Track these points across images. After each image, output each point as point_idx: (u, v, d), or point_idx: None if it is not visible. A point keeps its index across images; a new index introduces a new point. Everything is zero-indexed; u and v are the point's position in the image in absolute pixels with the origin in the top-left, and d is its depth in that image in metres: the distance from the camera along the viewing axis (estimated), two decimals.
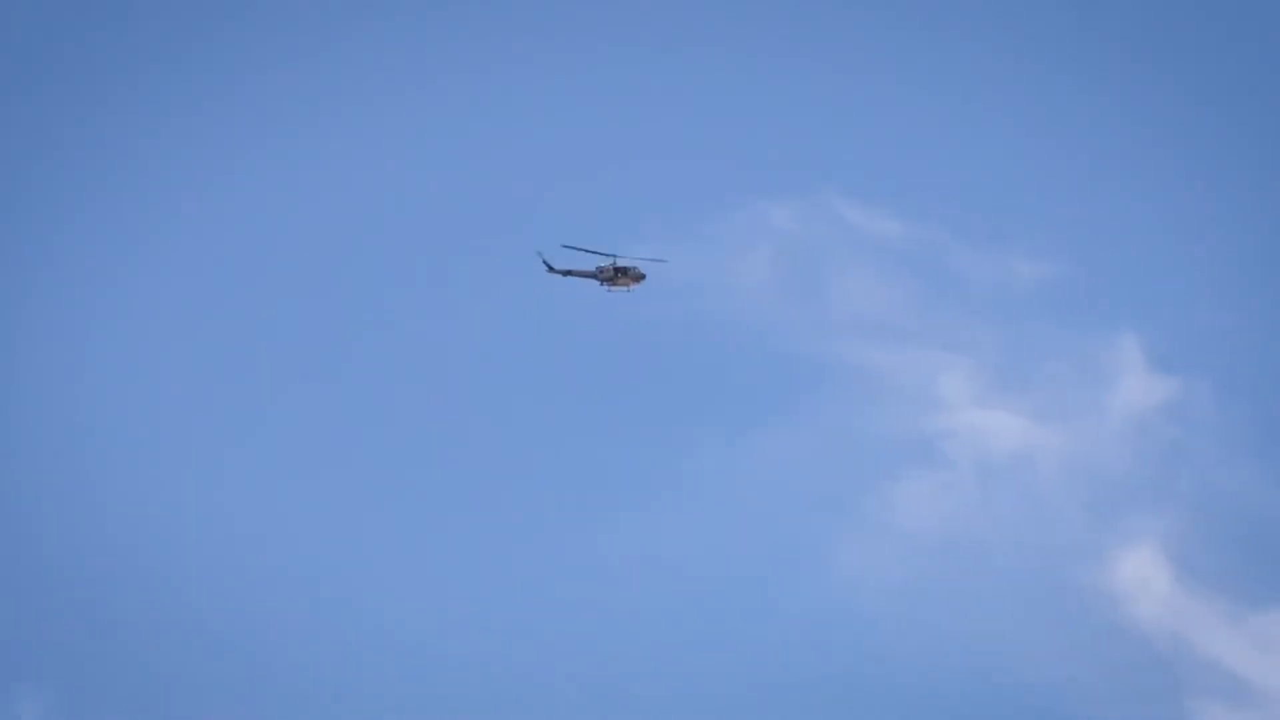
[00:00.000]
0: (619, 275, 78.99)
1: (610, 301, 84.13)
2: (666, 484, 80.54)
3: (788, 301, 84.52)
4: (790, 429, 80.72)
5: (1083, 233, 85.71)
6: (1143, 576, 74.67)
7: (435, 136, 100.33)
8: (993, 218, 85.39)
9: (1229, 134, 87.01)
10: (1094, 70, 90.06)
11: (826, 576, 76.08)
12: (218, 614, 78.11)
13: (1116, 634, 73.52)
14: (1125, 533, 76.51)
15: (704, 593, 76.37)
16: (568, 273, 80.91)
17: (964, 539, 76.36)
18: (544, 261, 79.50)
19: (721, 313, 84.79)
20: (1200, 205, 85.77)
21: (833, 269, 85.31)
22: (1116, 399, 79.57)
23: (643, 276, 77.71)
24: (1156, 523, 76.55)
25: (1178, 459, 78.18)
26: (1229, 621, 74.51)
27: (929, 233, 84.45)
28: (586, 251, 77.89)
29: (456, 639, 75.08)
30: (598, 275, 79.62)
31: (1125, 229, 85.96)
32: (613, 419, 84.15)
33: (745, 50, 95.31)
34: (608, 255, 78.08)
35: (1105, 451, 78.70)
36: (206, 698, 75.40)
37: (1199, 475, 77.84)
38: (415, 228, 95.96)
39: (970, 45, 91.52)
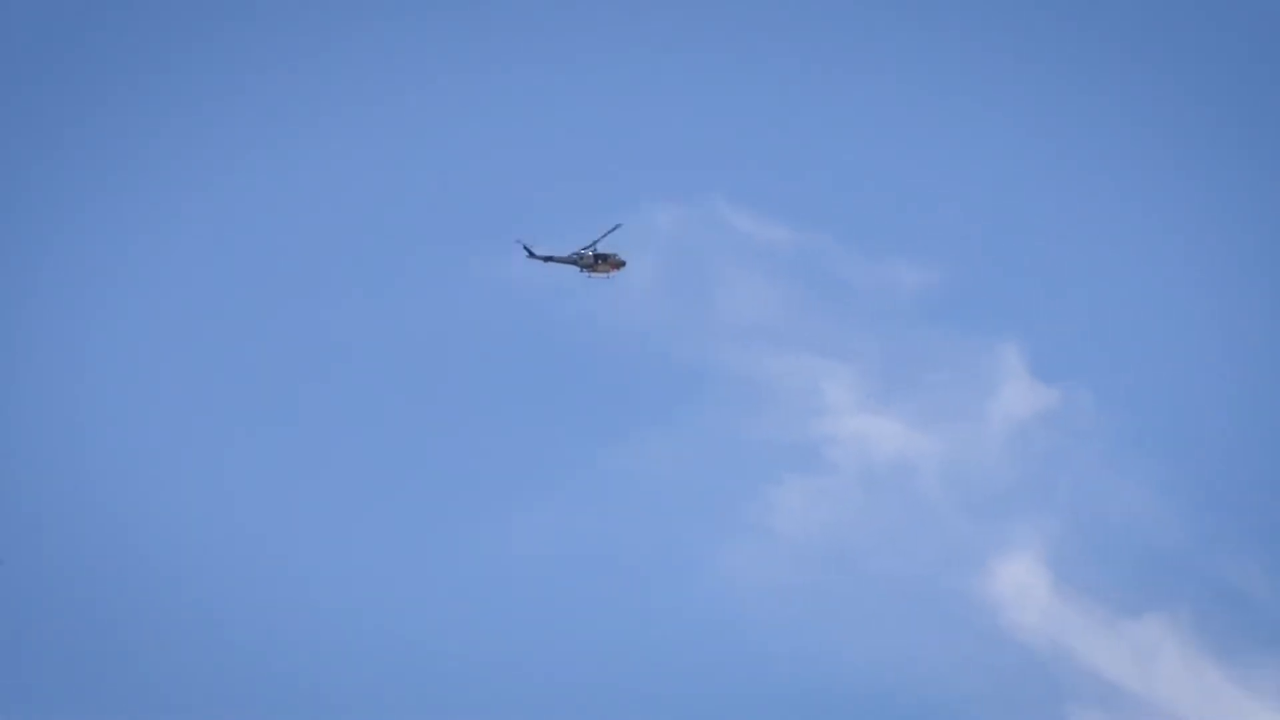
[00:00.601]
0: (599, 262, 79.07)
1: (497, 305, 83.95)
2: (549, 486, 79.95)
3: (673, 306, 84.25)
4: (674, 433, 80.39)
5: (966, 241, 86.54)
6: (1021, 584, 74.84)
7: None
8: (878, 226, 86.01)
9: (1114, 143, 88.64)
10: (979, 79, 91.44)
11: (707, 580, 75.57)
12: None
13: (995, 640, 73.59)
14: (1005, 540, 76.78)
15: (583, 594, 75.59)
16: (548, 259, 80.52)
17: (845, 544, 76.09)
18: (524, 247, 79.24)
19: (607, 316, 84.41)
20: (1084, 214, 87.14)
21: (719, 274, 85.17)
22: (997, 407, 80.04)
23: (623, 264, 78.28)
24: (1035, 530, 76.94)
25: (1057, 467, 78.76)
26: (1106, 629, 74.89)
27: (815, 240, 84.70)
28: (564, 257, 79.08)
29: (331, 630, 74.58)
30: (578, 262, 79.66)
31: (1008, 238, 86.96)
32: (497, 420, 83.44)
33: (637, 54, 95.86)
34: (589, 248, 78.64)
35: (985, 459, 79.07)
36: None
37: (1078, 483, 78.46)
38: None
39: (860, 53, 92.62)
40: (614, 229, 77.34)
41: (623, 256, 78.18)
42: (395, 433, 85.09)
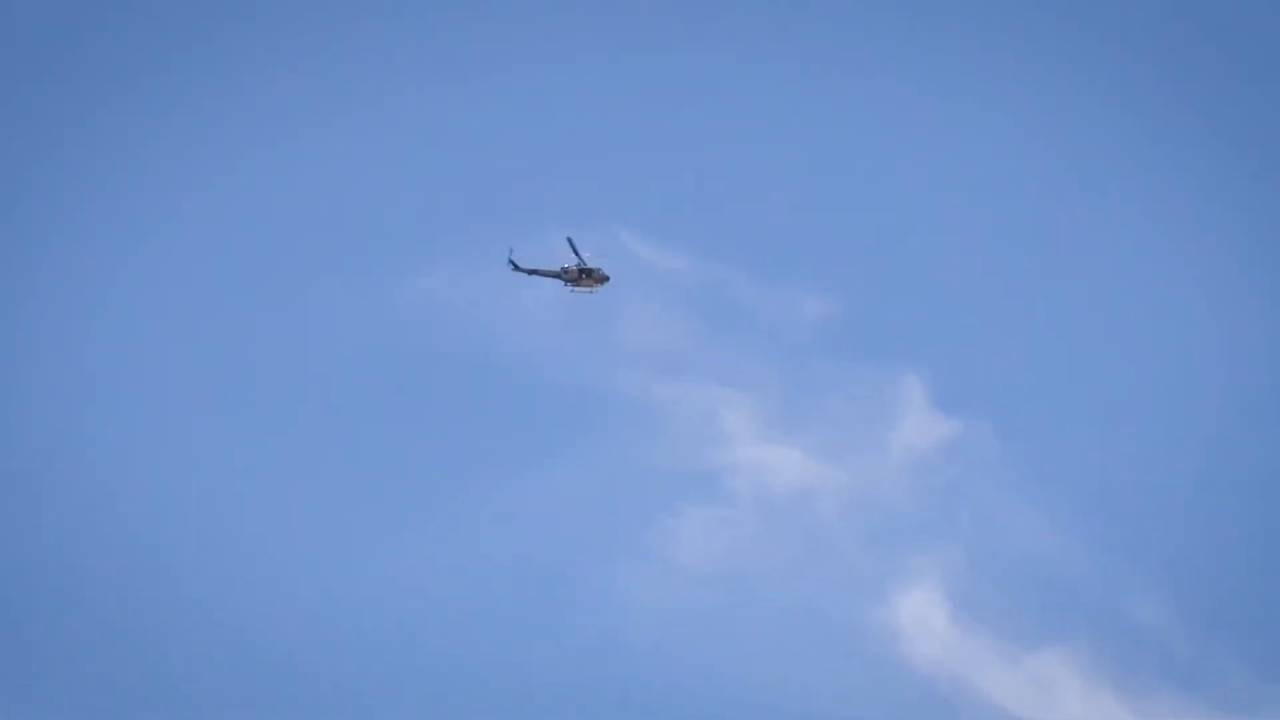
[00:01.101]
0: (583, 276, 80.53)
1: (398, 326, 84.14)
2: (445, 513, 79.17)
3: (573, 333, 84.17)
4: (572, 460, 79.83)
5: (868, 272, 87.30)
6: (920, 614, 74.56)
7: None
8: (780, 256, 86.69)
9: (1014, 174, 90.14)
10: (881, 109, 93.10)
11: (604, 608, 74.79)
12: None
13: (893, 670, 73.26)
14: (904, 570, 76.56)
15: (479, 622, 74.72)
16: (533, 272, 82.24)
17: (744, 572, 75.64)
18: (510, 260, 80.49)
19: (507, 342, 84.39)
20: (985, 246, 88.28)
21: (619, 302, 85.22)
22: (898, 437, 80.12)
23: (606, 279, 79.54)
24: (935, 561, 76.84)
25: (957, 497, 78.94)
26: (1005, 660, 74.72)
27: (717, 269, 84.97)
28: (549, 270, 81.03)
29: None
30: (562, 275, 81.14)
31: (910, 269, 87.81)
32: (395, 445, 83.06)
33: (544, 82, 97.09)
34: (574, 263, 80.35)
35: (886, 489, 79.09)
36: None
37: (978, 514, 78.64)
38: None
39: (762, 81, 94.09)
40: (587, 257, 79.25)
41: (606, 271, 79.60)
42: (277, 463, 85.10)
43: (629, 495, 77.86)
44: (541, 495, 78.32)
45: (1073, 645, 75.62)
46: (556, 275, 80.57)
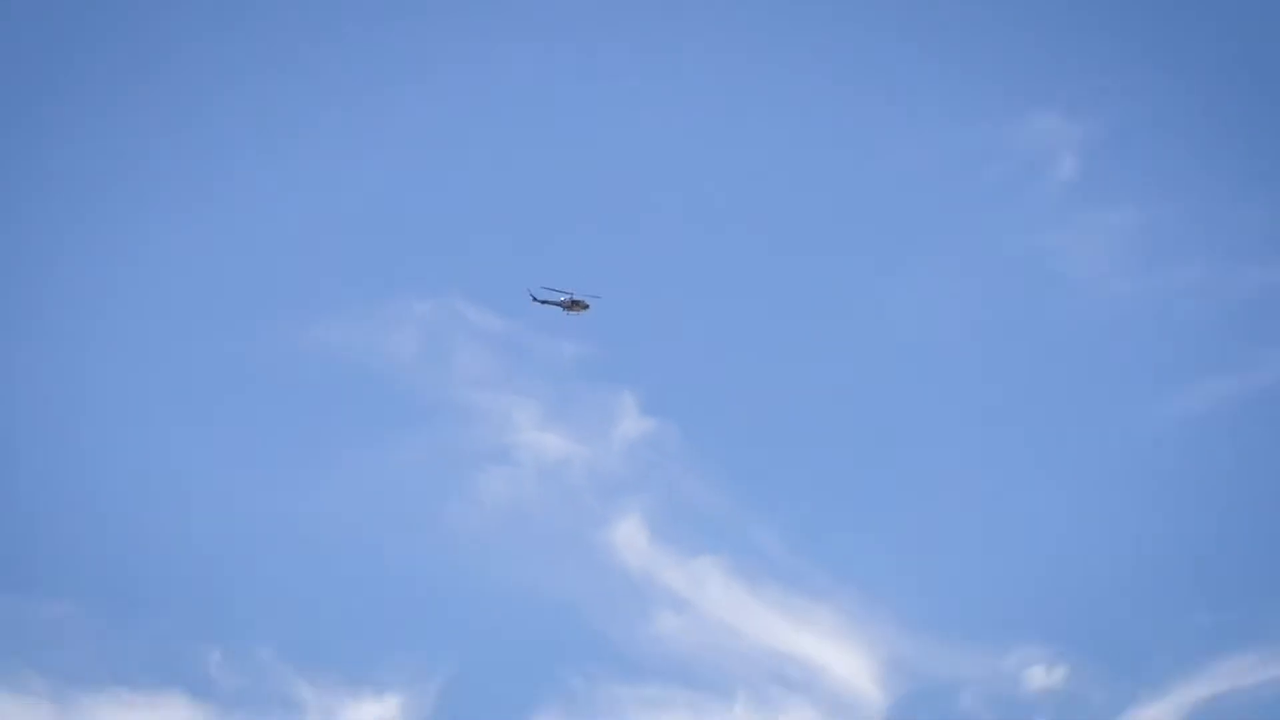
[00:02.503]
0: (574, 305, 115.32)
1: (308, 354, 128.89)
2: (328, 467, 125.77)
3: (425, 367, 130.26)
4: (417, 439, 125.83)
5: (610, 328, 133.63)
6: (629, 535, 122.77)
7: None
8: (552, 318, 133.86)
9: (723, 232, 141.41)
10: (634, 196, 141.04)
11: (432, 531, 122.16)
12: None
13: (612, 570, 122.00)
14: (621, 509, 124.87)
15: (351, 543, 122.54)
16: (545, 302, 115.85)
17: (523, 510, 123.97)
18: (530, 294, 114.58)
19: (372, 375, 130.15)
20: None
21: (455, 347, 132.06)
22: (618, 431, 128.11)
23: (588, 306, 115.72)
24: (639, 504, 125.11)
25: (654, 468, 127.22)
26: (678, 565, 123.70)
27: (515, 326, 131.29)
28: (552, 294, 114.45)
29: None
30: (562, 305, 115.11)
31: (642, 326, 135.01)
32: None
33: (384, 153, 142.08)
34: (566, 292, 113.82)
35: (610, 461, 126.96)
36: None
37: (669, 477, 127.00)
38: None
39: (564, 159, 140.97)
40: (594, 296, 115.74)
41: (588, 302, 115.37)
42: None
43: (457, 460, 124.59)
44: (397, 459, 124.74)
45: (718, 555, 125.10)
46: (559, 305, 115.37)
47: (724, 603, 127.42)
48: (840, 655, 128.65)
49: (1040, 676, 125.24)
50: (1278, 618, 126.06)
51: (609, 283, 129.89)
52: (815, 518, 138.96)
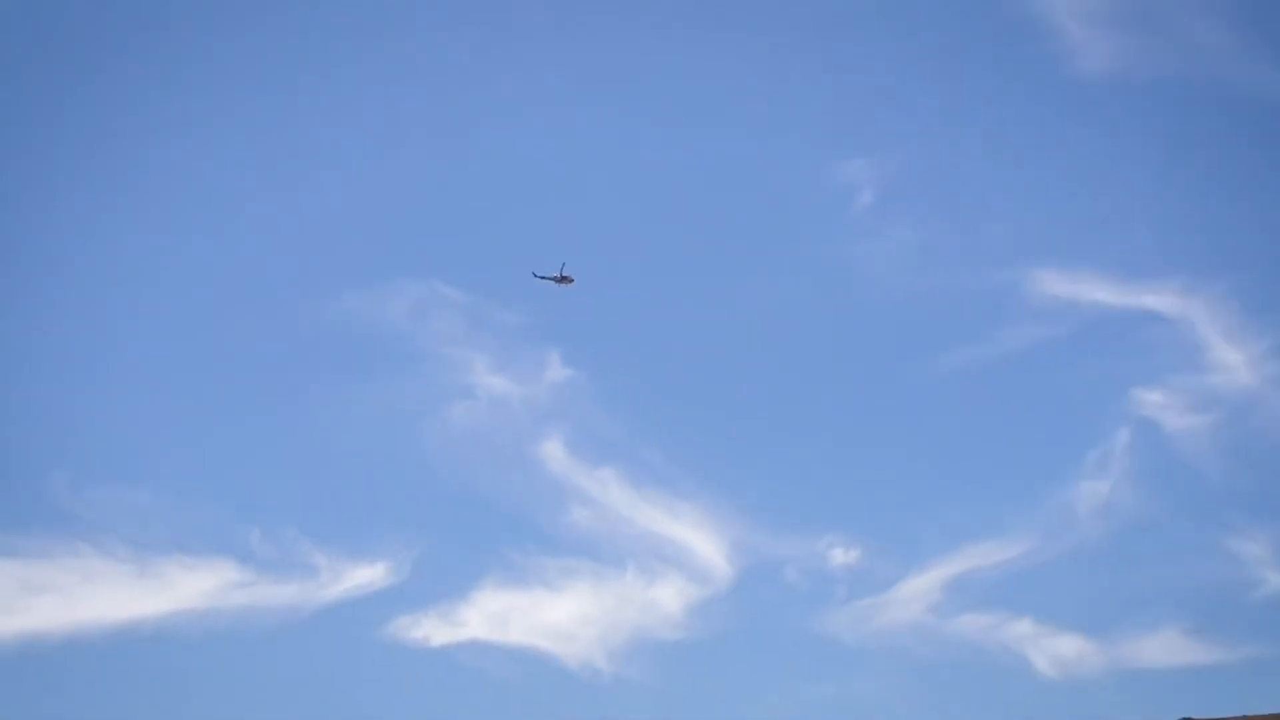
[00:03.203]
0: (563, 280, 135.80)
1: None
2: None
3: (411, 329, 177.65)
4: (394, 384, 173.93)
5: None
6: (558, 459, 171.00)
7: None
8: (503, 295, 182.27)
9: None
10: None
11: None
12: None
13: (541, 474, 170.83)
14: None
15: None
16: (542, 278, 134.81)
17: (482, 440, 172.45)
18: (533, 273, 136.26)
19: (373, 335, 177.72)
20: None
21: (432, 315, 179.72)
22: (547, 379, 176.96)
23: (572, 280, 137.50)
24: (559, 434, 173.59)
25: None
26: (595, 474, 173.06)
27: (476, 300, 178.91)
28: (547, 273, 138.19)
29: None
30: (554, 280, 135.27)
31: None
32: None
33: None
34: (555, 273, 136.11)
35: None
36: None
37: None
38: None
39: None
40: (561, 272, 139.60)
41: (572, 278, 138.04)
42: None
43: (432, 396, 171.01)
44: (389, 394, 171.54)
45: (616, 467, 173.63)
46: (553, 280, 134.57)
47: (619, 501, 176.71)
48: (701, 539, 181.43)
49: (841, 555, 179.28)
50: (1007, 517, 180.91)
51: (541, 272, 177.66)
52: (686, 442, 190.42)
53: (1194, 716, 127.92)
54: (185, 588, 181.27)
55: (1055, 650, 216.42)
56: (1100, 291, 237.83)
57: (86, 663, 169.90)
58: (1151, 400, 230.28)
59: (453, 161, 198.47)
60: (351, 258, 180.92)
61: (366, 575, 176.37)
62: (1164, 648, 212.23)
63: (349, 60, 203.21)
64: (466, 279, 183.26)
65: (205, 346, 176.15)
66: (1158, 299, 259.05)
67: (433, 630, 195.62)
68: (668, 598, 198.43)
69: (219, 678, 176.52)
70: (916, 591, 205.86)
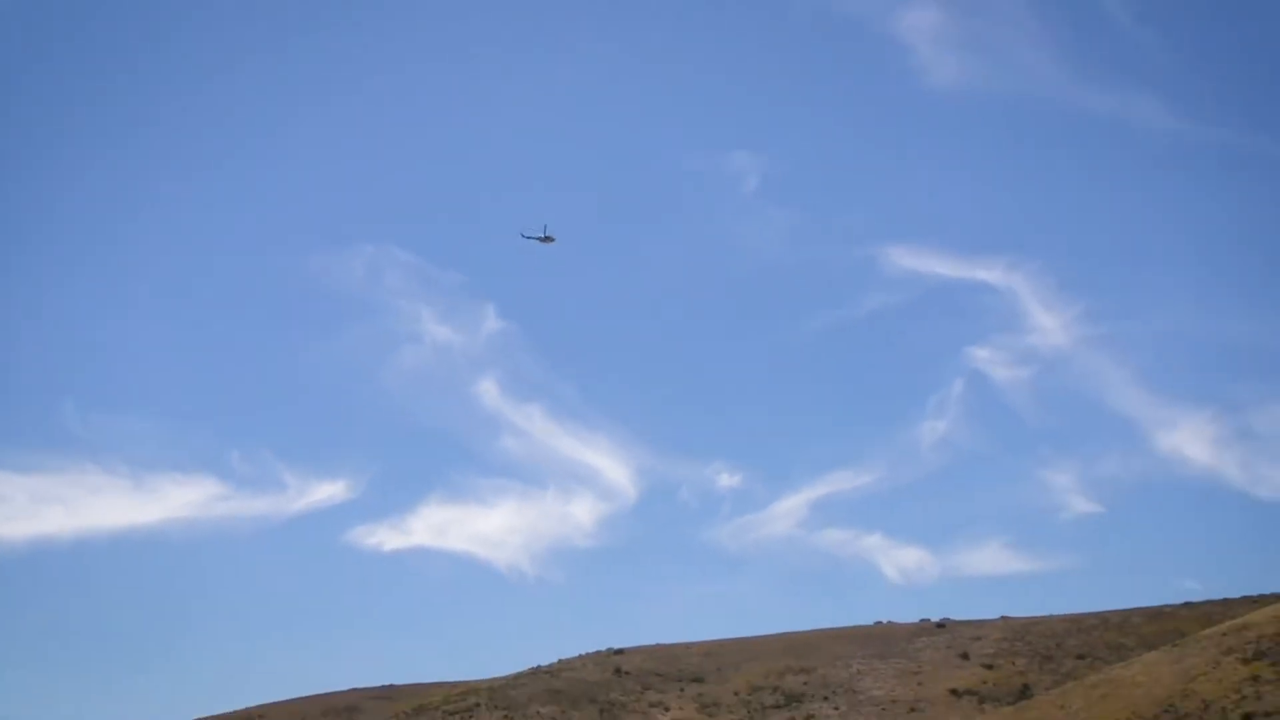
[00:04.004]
0: (545, 239, 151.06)
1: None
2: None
3: (368, 285, 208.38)
4: (353, 331, 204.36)
5: None
6: (529, 423, 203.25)
7: None
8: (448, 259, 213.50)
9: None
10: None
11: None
12: None
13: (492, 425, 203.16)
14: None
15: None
16: (528, 237, 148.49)
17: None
18: (520, 234, 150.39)
19: (336, 290, 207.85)
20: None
21: (386, 273, 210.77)
22: (484, 328, 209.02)
23: (553, 239, 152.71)
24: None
25: None
26: (540, 421, 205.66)
27: (424, 261, 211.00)
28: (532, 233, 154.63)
29: None
30: (538, 239, 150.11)
31: None
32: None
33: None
34: (539, 233, 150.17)
35: None
36: None
37: None
38: None
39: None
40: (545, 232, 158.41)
41: (553, 237, 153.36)
42: None
43: (386, 341, 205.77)
44: (350, 339, 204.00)
45: (541, 403, 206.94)
46: (537, 239, 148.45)
47: (542, 432, 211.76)
48: (610, 465, 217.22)
49: (726, 479, 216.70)
50: (863, 450, 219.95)
51: (488, 246, 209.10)
52: (599, 383, 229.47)
53: (1012, 615, 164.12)
54: (175, 500, 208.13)
55: (900, 560, 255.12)
56: (941, 266, 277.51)
57: (90, 564, 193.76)
58: (981, 356, 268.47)
59: (405, 144, 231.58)
60: (319, 224, 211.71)
61: (329, 491, 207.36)
62: (988, 559, 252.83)
63: (325, 46, 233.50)
64: (416, 243, 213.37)
65: (197, 297, 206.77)
66: (988, 273, 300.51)
67: (385, 538, 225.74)
68: (582, 513, 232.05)
69: (204, 577, 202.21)
70: (788, 510, 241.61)
